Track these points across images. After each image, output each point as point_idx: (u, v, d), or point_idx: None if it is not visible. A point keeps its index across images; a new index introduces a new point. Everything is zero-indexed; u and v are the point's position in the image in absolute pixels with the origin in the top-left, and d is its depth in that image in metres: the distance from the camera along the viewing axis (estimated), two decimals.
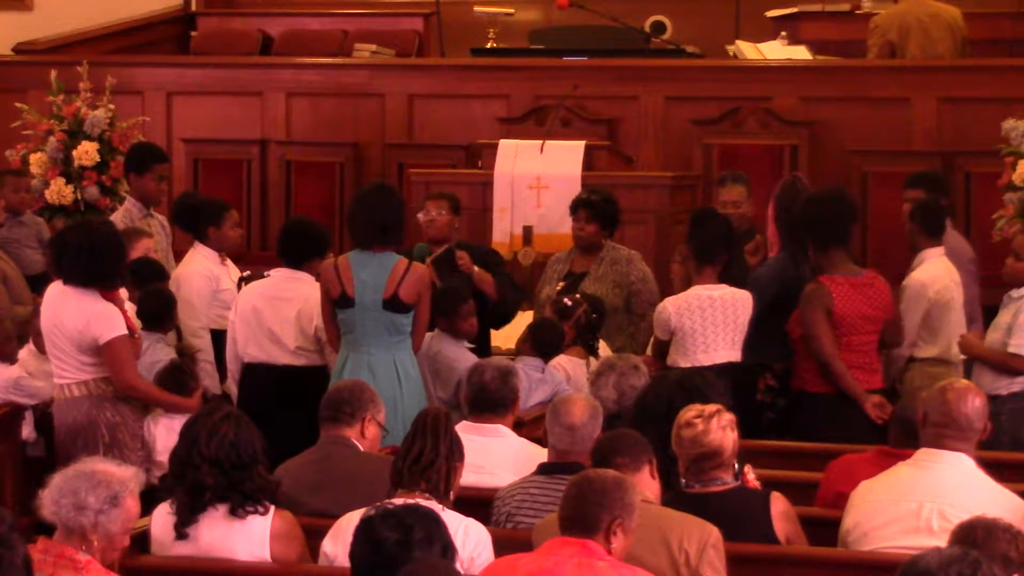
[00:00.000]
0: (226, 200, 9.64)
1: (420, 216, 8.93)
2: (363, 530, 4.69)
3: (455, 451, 5.66)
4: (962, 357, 8.43)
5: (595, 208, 8.94)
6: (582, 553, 4.86)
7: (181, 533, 5.65)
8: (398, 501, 5.16)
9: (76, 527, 4.92)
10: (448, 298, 8.17)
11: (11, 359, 8.12)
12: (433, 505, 5.44)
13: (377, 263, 7.68)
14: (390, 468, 5.67)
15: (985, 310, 8.90)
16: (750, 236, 8.91)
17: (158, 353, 8.15)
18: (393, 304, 7.64)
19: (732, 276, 8.11)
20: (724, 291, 7.99)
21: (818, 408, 7.88)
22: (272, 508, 5.67)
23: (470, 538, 5.47)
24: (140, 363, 7.83)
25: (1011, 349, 8.07)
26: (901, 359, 8.37)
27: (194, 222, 9.20)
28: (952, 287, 8.44)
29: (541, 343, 8.12)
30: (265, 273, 8.66)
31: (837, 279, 7.95)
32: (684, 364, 7.75)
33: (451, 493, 5.64)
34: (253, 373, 8.28)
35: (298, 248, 8.33)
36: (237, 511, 5.62)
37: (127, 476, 5.03)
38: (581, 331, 8.37)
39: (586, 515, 4.92)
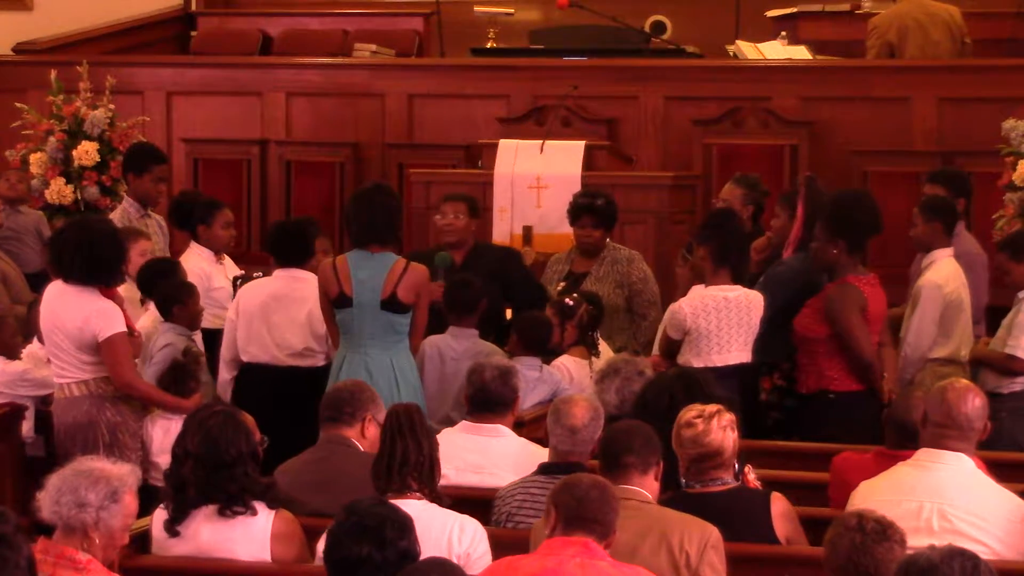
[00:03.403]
0: (225, 200, 9.63)
1: (437, 218, 8.94)
2: (333, 554, 4.70)
3: (433, 442, 5.69)
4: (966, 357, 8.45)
5: (600, 212, 8.95)
6: (584, 553, 4.86)
7: (172, 531, 5.67)
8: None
9: (78, 525, 4.94)
10: (468, 293, 8.14)
11: (14, 354, 8.13)
12: (426, 504, 5.46)
13: (375, 263, 7.67)
14: (371, 472, 5.67)
15: (991, 311, 8.91)
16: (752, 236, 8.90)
17: (170, 339, 8.11)
18: (391, 304, 7.63)
19: (741, 276, 8.09)
20: (739, 292, 7.97)
21: (845, 407, 7.85)
22: (273, 509, 5.68)
23: (465, 533, 5.50)
24: (151, 350, 7.89)
25: (1008, 350, 8.11)
26: (921, 361, 8.35)
27: (188, 221, 9.20)
28: (961, 288, 8.44)
29: (529, 339, 8.07)
30: (256, 274, 8.64)
31: (862, 279, 7.96)
32: (698, 364, 7.71)
33: (437, 482, 5.66)
34: (252, 373, 8.27)
35: (301, 248, 8.33)
36: (224, 512, 5.63)
37: (124, 472, 5.06)
38: (583, 330, 8.37)
39: (608, 520, 4.94)
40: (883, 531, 4.75)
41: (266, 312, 8.22)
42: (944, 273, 8.43)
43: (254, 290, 8.38)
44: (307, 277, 8.26)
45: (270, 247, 8.50)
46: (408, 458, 5.59)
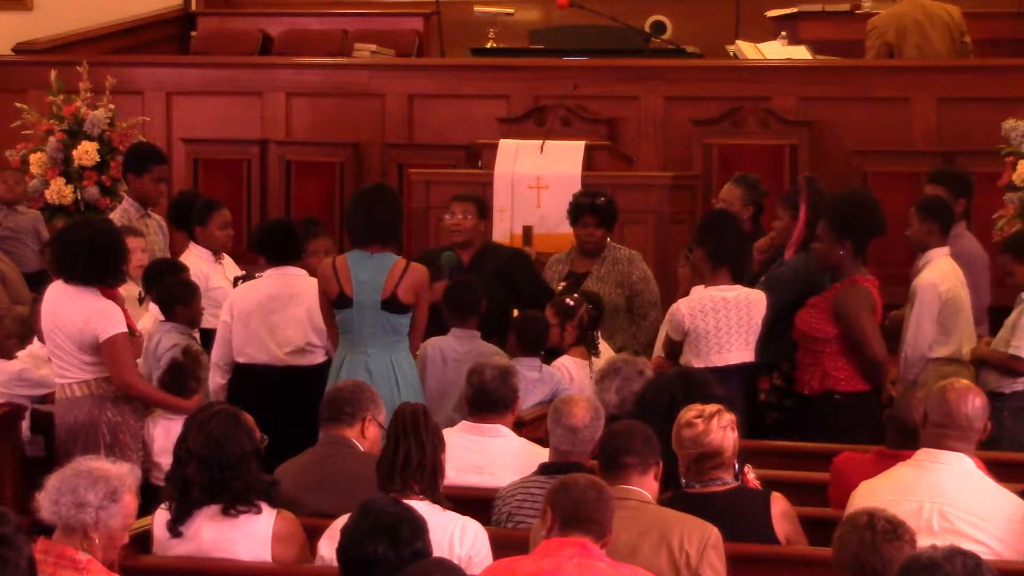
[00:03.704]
0: (225, 200, 9.62)
1: (446, 218, 8.94)
2: (348, 552, 4.69)
3: (438, 444, 5.67)
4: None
5: (602, 212, 8.95)
6: (581, 554, 4.86)
7: (175, 531, 5.67)
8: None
9: (77, 525, 4.94)
10: (469, 294, 8.14)
11: (9, 354, 8.12)
12: (428, 505, 5.46)
13: (375, 263, 7.66)
14: (376, 470, 5.67)
15: (992, 311, 8.90)
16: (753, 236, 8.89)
17: (173, 339, 8.08)
18: (391, 304, 7.62)
19: (740, 276, 8.09)
20: (738, 292, 7.96)
21: (851, 407, 7.83)
22: (274, 509, 5.68)
23: (467, 536, 5.49)
24: (157, 351, 7.86)
25: (1012, 351, 8.10)
26: (921, 360, 8.34)
27: (186, 221, 9.20)
28: (959, 286, 8.43)
29: (526, 338, 8.05)
30: (258, 274, 8.61)
31: (868, 279, 7.96)
32: (698, 365, 7.70)
33: (440, 484, 5.66)
34: (249, 374, 8.23)
35: (292, 246, 8.33)
36: (229, 511, 5.63)
37: (124, 472, 5.06)
38: (584, 331, 8.36)
39: (605, 520, 4.95)
40: (893, 530, 4.76)
41: (265, 312, 8.20)
42: (939, 272, 8.42)
43: (249, 291, 8.35)
44: (299, 273, 8.26)
45: (261, 247, 8.44)
46: (410, 460, 5.58)
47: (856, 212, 8.01)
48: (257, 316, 8.19)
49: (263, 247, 8.41)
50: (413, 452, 5.58)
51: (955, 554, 4.22)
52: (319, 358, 8.19)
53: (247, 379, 8.20)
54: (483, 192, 10.10)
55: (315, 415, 6.42)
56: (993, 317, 8.80)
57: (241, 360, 8.23)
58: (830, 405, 7.91)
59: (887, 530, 4.75)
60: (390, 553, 4.64)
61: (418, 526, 4.73)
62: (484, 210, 9.03)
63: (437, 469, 5.63)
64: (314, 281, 8.00)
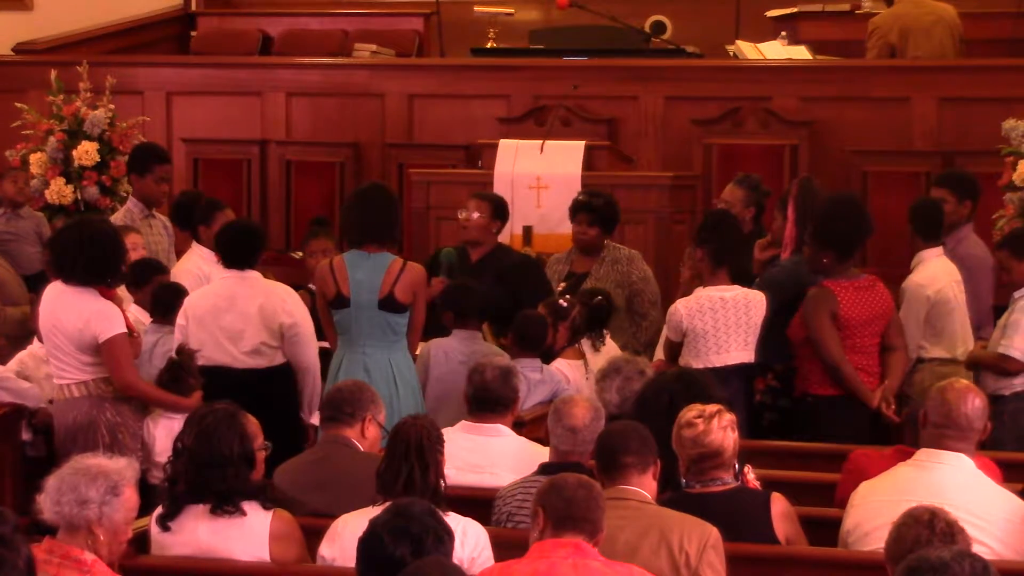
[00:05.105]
0: (226, 200, 9.61)
1: (460, 214, 8.94)
2: (370, 548, 4.68)
3: (440, 464, 5.65)
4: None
5: (597, 211, 8.95)
6: (576, 554, 4.85)
7: (164, 526, 5.67)
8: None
9: (81, 523, 4.96)
10: (470, 297, 8.13)
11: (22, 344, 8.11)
12: None
13: (372, 263, 7.66)
14: (377, 477, 5.65)
15: (996, 312, 8.88)
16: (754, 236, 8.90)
17: (169, 343, 8.04)
18: (388, 304, 7.62)
19: (740, 276, 8.10)
20: (736, 292, 7.98)
21: (823, 410, 7.88)
22: (269, 510, 5.67)
23: (468, 538, 5.47)
24: (153, 354, 7.83)
25: (1001, 349, 8.11)
26: (909, 362, 8.35)
27: (190, 221, 9.18)
28: (952, 286, 8.43)
29: (525, 338, 8.05)
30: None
31: (842, 283, 7.97)
32: (697, 365, 7.72)
33: (441, 484, 5.64)
34: (208, 375, 8.01)
35: (249, 249, 8.19)
36: (216, 511, 5.63)
37: (122, 466, 5.09)
38: (576, 332, 8.35)
39: (597, 519, 4.94)
40: (952, 535, 4.75)
41: (217, 312, 7.97)
42: (928, 273, 8.43)
43: (202, 294, 8.22)
44: (253, 275, 8.10)
45: (223, 249, 8.32)
46: (413, 481, 5.54)
47: (836, 222, 8.04)
48: (210, 317, 8.04)
49: (223, 249, 8.24)
50: (416, 473, 5.56)
51: (964, 556, 4.20)
52: (278, 359, 8.05)
53: (208, 380, 8.08)
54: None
55: (279, 416, 6.36)
56: (998, 316, 8.77)
57: (200, 363, 8.15)
58: (804, 407, 7.98)
59: (945, 532, 4.75)
60: (408, 559, 4.63)
61: (443, 540, 4.69)
62: (501, 211, 8.96)
63: (439, 477, 5.62)
64: (268, 282, 7.95)
